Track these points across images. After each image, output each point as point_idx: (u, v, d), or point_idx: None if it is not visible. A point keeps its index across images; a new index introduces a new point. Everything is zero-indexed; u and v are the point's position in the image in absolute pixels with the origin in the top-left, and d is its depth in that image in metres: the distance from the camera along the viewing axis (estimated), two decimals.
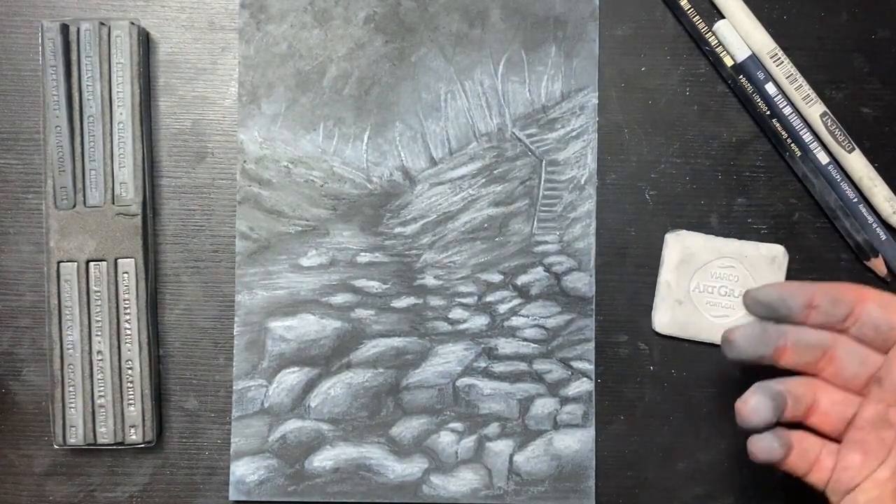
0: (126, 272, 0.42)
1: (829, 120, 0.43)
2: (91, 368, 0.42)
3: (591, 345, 0.43)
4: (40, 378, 0.43)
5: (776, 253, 0.43)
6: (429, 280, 0.43)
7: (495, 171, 0.43)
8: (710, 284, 0.43)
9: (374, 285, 0.43)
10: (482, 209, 0.43)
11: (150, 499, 0.43)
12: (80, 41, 0.42)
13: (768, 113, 0.43)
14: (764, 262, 0.42)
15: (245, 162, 0.43)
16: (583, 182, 0.43)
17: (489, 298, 0.43)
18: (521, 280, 0.43)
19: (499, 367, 0.43)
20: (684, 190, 0.44)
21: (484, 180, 0.43)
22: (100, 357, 0.42)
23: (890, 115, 0.44)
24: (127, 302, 0.42)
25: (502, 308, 0.43)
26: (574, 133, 0.43)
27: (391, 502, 0.42)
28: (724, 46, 0.43)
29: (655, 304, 0.43)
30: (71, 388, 0.41)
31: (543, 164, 0.43)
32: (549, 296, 0.43)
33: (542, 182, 0.43)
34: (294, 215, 0.43)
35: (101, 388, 0.41)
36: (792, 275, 0.43)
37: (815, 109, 0.43)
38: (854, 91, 0.44)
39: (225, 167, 0.44)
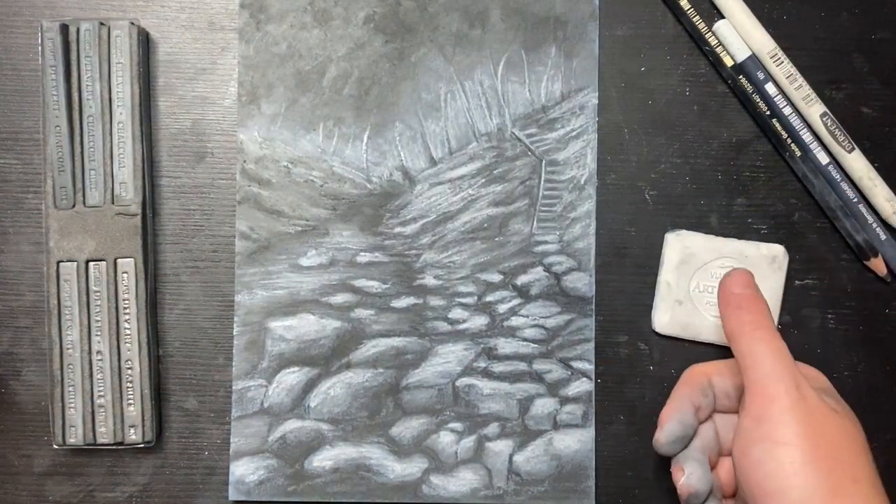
0: (126, 272, 0.42)
1: (829, 120, 0.43)
2: (91, 368, 0.42)
3: (591, 345, 0.43)
4: (40, 378, 0.43)
5: (776, 253, 0.43)
6: (429, 280, 0.43)
7: (495, 171, 0.43)
8: (710, 284, 0.43)
9: (373, 285, 0.43)
10: (482, 209, 0.43)
11: (149, 499, 0.43)
12: (80, 41, 0.42)
13: (768, 113, 0.43)
14: (764, 262, 0.42)
15: (245, 162, 0.43)
16: (583, 182, 0.43)
17: (489, 298, 0.43)
18: (521, 280, 0.43)
19: (498, 367, 0.43)
20: (684, 190, 0.44)
21: (484, 180, 0.43)
22: (99, 357, 0.42)
23: (890, 115, 0.44)
24: (126, 302, 0.42)
25: (502, 308, 0.43)
26: (574, 133, 0.43)
27: (391, 502, 0.42)
28: (724, 46, 0.43)
29: (655, 304, 0.43)
30: (71, 388, 0.41)
31: (543, 164, 0.43)
32: (548, 296, 0.43)
33: (542, 182, 0.43)
34: (294, 215, 0.43)
35: (101, 388, 0.41)
36: (792, 275, 0.43)
37: (815, 109, 0.43)
38: (854, 91, 0.44)
39: (225, 167, 0.44)
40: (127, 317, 0.42)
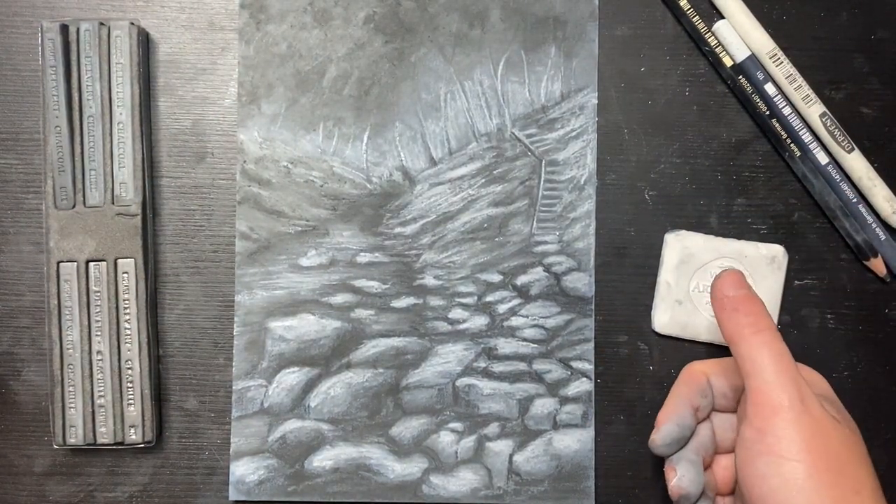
0: (126, 272, 0.42)
1: (829, 120, 0.43)
2: (91, 368, 0.42)
3: (591, 345, 0.43)
4: (40, 378, 0.43)
5: (776, 253, 0.43)
6: (429, 280, 0.43)
7: (495, 171, 0.43)
8: (709, 284, 0.43)
9: (373, 285, 0.43)
10: (482, 209, 0.43)
11: (149, 499, 0.43)
12: (80, 41, 0.42)
13: (768, 113, 0.43)
14: (764, 262, 0.42)
15: (245, 162, 0.43)
16: (582, 182, 0.43)
17: (489, 298, 0.43)
18: (521, 280, 0.43)
19: (498, 367, 0.43)
20: (684, 190, 0.44)
21: (484, 180, 0.43)
22: (99, 357, 0.42)
23: (890, 115, 0.44)
24: (127, 302, 0.42)
25: (502, 308, 0.43)
26: (574, 133, 0.43)
27: (391, 502, 0.42)
28: (723, 46, 0.43)
29: (655, 304, 0.43)
30: (71, 388, 0.41)
31: (543, 164, 0.43)
32: (548, 296, 0.43)
33: (542, 182, 0.43)
34: (294, 215, 0.43)
35: (101, 388, 0.41)
36: (792, 275, 0.43)
37: (814, 109, 0.43)
38: (854, 91, 0.44)
39: (225, 167, 0.44)
40: (127, 317, 0.42)
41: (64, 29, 0.41)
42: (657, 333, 0.43)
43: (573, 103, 0.43)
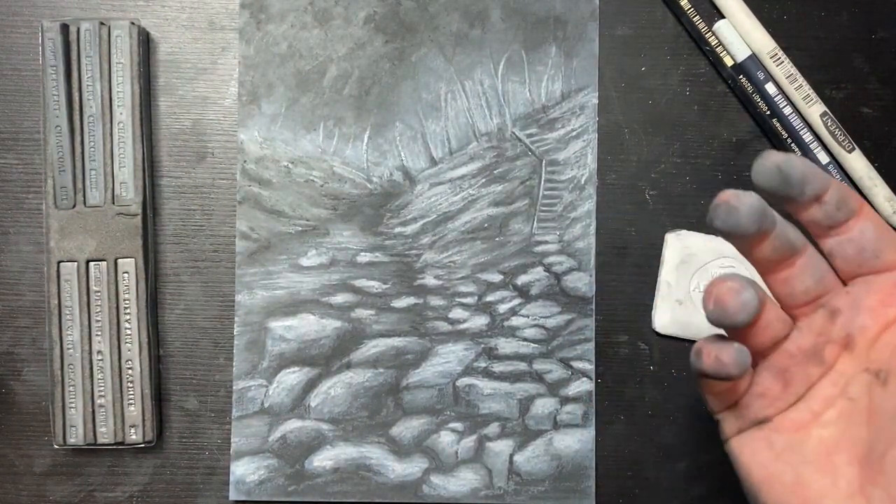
0: (126, 272, 0.42)
1: (829, 120, 0.43)
2: (91, 368, 0.42)
3: (591, 345, 0.43)
4: (40, 378, 0.43)
5: None
6: (429, 280, 0.43)
7: (495, 171, 0.43)
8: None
9: (374, 285, 0.43)
10: (482, 209, 0.43)
11: (150, 499, 0.43)
12: (80, 41, 0.42)
13: (768, 113, 0.43)
14: None
15: (245, 162, 0.43)
16: (583, 182, 0.43)
17: (489, 298, 0.43)
18: (521, 280, 0.43)
19: (499, 367, 0.43)
20: (684, 190, 0.44)
21: (484, 180, 0.43)
22: (100, 357, 0.42)
23: (890, 115, 0.44)
24: (127, 302, 0.42)
25: (502, 308, 0.43)
26: (574, 133, 0.43)
27: (391, 502, 0.42)
28: (724, 46, 0.43)
29: (655, 304, 0.43)
30: (71, 388, 0.41)
31: (543, 164, 0.43)
32: (549, 296, 0.43)
33: (542, 182, 0.43)
34: (294, 215, 0.43)
35: (101, 388, 0.41)
36: None
37: (815, 109, 0.43)
38: (854, 91, 0.44)
39: (225, 167, 0.44)
40: (127, 317, 0.42)
41: (64, 28, 0.41)
42: (658, 333, 0.43)
43: (574, 103, 0.43)
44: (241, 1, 0.43)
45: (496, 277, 0.43)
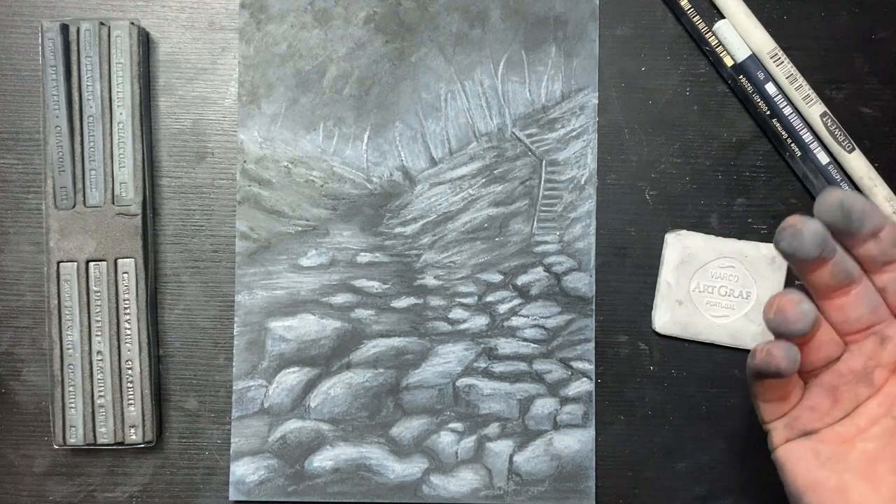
0: (126, 272, 0.42)
1: (829, 120, 0.43)
2: (91, 368, 0.42)
3: (591, 345, 0.43)
4: (40, 378, 0.43)
5: (776, 253, 0.43)
6: (429, 280, 0.43)
7: (495, 171, 0.43)
8: (710, 284, 0.43)
9: (374, 285, 0.43)
10: (482, 209, 0.43)
11: (150, 499, 0.43)
12: (80, 41, 0.42)
13: (768, 113, 0.43)
14: (764, 262, 0.42)
15: (245, 162, 0.43)
16: (583, 182, 0.43)
17: (489, 298, 0.43)
18: (521, 280, 0.43)
19: (499, 367, 0.43)
20: (684, 190, 0.44)
21: (484, 180, 0.43)
22: (100, 357, 0.42)
23: (890, 115, 0.44)
24: (127, 302, 0.42)
25: (502, 308, 0.43)
26: (574, 133, 0.43)
27: (391, 502, 0.42)
28: (724, 46, 0.43)
29: (655, 304, 0.43)
30: (71, 388, 0.41)
31: (543, 164, 0.43)
32: (549, 296, 0.43)
33: (542, 182, 0.43)
34: (294, 215, 0.43)
35: (101, 389, 0.41)
36: (792, 275, 0.43)
37: (815, 109, 0.43)
38: (854, 91, 0.44)
39: (225, 167, 0.44)
40: (127, 317, 0.42)
41: (64, 29, 0.41)
42: (657, 333, 0.43)
43: (574, 103, 0.43)
44: (241, 1, 0.43)
45: (496, 277, 0.43)
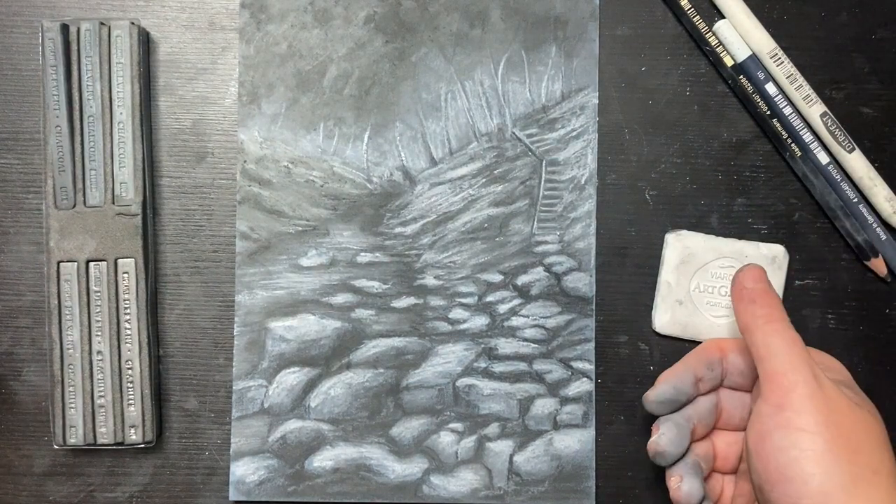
0: (126, 272, 0.42)
1: (829, 120, 0.43)
2: (91, 368, 0.41)
3: (591, 345, 0.43)
4: (40, 378, 0.43)
5: (776, 253, 0.43)
6: (429, 280, 0.43)
7: (495, 171, 0.43)
8: (710, 284, 0.43)
9: (374, 285, 0.43)
10: (482, 209, 0.43)
11: (150, 499, 0.43)
12: (80, 41, 0.42)
13: (768, 113, 0.43)
14: (764, 262, 0.42)
15: (245, 162, 0.43)
16: (583, 182, 0.43)
17: (489, 298, 0.43)
18: (522, 280, 0.43)
19: (499, 368, 0.43)
20: (684, 190, 0.44)
21: (484, 180, 0.43)
22: (100, 357, 0.42)
23: (890, 115, 0.44)
24: (127, 302, 0.42)
25: (502, 308, 0.43)
26: (574, 133, 0.43)
27: (391, 502, 0.42)
28: (724, 46, 0.43)
29: (655, 304, 0.43)
30: (71, 388, 0.41)
31: (543, 164, 0.43)
32: (549, 296, 0.43)
33: (543, 182, 0.43)
34: (294, 215, 0.43)
35: (101, 389, 0.41)
36: (792, 275, 0.43)
37: (815, 109, 0.43)
38: (854, 91, 0.44)
39: (225, 167, 0.44)
40: (127, 317, 0.42)
41: (64, 28, 0.41)
42: (658, 333, 0.43)
43: (574, 103, 0.43)
44: (241, 1, 0.43)
45: (496, 277, 0.43)
